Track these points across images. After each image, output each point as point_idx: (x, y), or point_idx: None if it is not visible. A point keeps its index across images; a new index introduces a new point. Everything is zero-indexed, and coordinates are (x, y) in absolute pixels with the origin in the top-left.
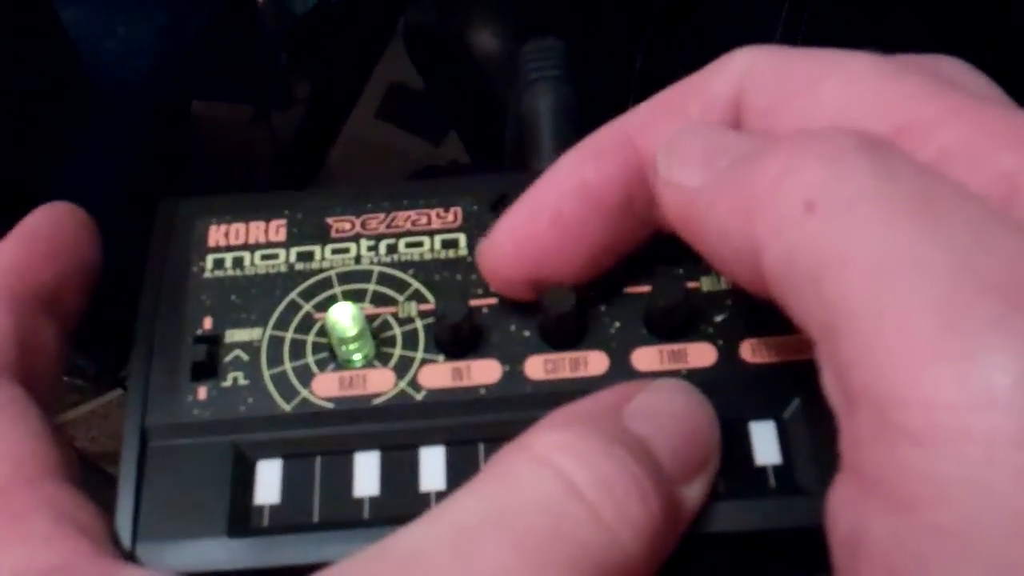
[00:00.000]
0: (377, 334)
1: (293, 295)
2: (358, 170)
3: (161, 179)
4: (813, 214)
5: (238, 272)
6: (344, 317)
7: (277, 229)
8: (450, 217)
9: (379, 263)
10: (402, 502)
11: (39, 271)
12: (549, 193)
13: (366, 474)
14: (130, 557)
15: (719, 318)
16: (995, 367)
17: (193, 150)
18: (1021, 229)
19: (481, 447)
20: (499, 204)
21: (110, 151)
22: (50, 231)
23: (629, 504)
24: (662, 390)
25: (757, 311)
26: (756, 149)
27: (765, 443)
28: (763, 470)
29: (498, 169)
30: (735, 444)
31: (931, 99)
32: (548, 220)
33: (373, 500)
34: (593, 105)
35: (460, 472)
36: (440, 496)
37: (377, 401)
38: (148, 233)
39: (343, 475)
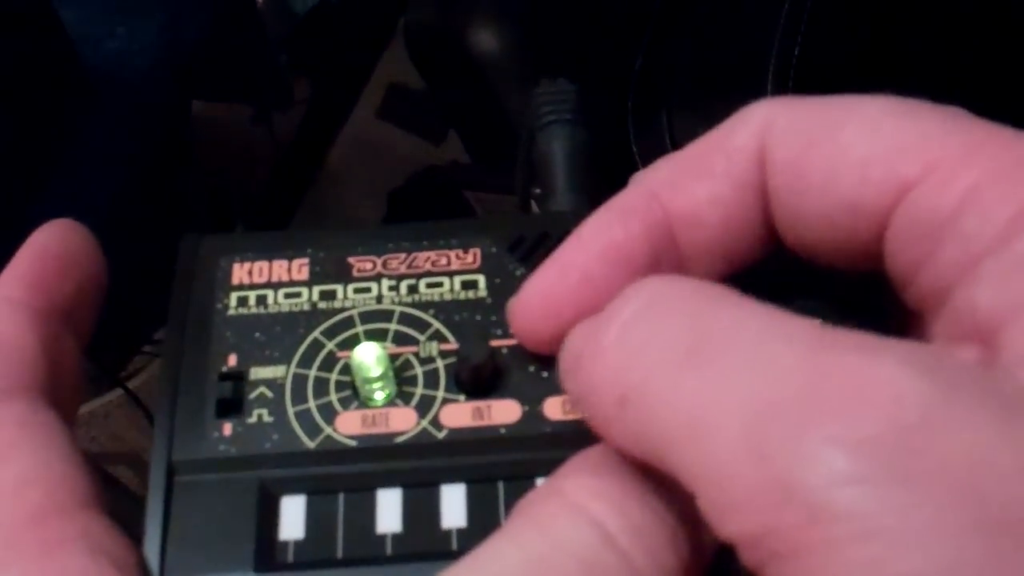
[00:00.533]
0: (399, 373)
1: (316, 333)
2: (358, 170)
3: (161, 179)
4: (627, 408)
5: (262, 310)
6: (369, 357)
7: (300, 268)
8: (469, 258)
9: (400, 303)
10: (424, 539)
11: (56, 288)
12: (577, 254)
13: (389, 511)
14: None
15: None
16: (813, 485)
17: (193, 150)
18: (798, 335)
19: (501, 485)
20: (516, 246)
21: (110, 151)
22: (60, 247)
23: (660, 551)
24: None
25: None
26: (579, 350)
27: None
28: None
29: (498, 170)
30: None
31: (953, 135)
32: (576, 281)
33: (396, 536)
34: (593, 110)
35: (481, 510)
36: (462, 533)
37: (399, 439)
38: (148, 234)
39: (366, 512)
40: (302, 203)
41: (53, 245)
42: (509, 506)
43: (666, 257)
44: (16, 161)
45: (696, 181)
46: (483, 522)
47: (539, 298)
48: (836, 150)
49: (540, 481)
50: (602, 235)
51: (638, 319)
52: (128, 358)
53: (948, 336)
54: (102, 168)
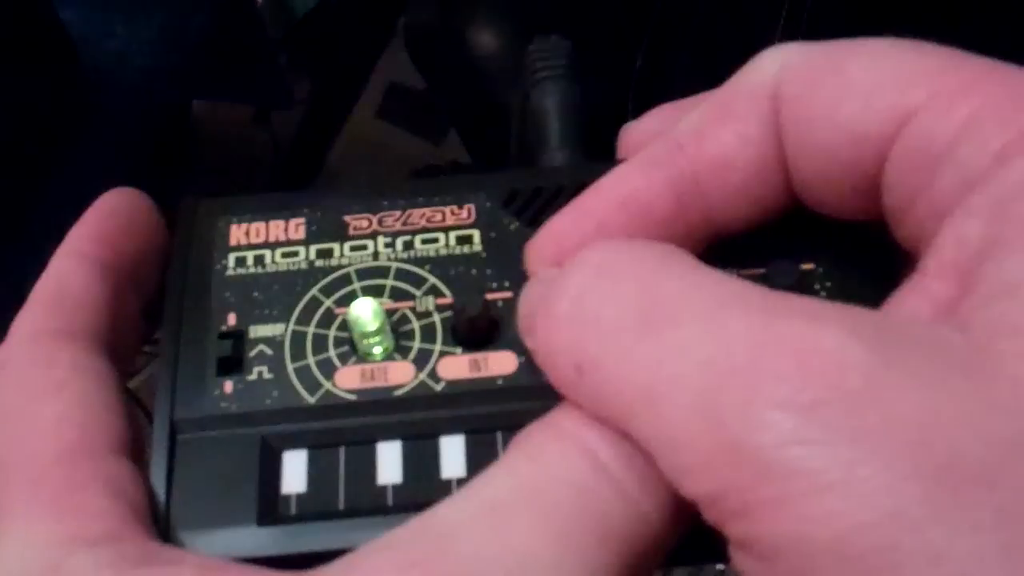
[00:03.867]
0: (396, 328)
1: (314, 291)
2: (358, 170)
3: (161, 179)
4: (584, 376)
5: (260, 269)
6: (365, 312)
7: (296, 227)
8: (464, 214)
9: (396, 259)
10: (424, 489)
11: (122, 246)
12: (596, 202)
13: (389, 463)
14: None
15: None
16: (763, 445)
17: (193, 150)
18: (747, 303)
19: (499, 435)
20: (510, 200)
21: (110, 151)
22: (128, 210)
23: (652, 480)
24: None
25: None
26: (534, 314)
27: None
28: None
29: (501, 168)
30: None
31: (955, 69)
32: (592, 229)
33: (396, 487)
34: (593, 105)
35: (480, 460)
36: (461, 483)
37: (398, 392)
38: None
39: (367, 464)
40: None
41: (121, 207)
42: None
43: (693, 207)
44: (16, 161)
45: (722, 125)
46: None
47: (553, 243)
48: (841, 81)
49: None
50: (622, 185)
51: (589, 287)
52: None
53: (928, 267)
54: (102, 168)
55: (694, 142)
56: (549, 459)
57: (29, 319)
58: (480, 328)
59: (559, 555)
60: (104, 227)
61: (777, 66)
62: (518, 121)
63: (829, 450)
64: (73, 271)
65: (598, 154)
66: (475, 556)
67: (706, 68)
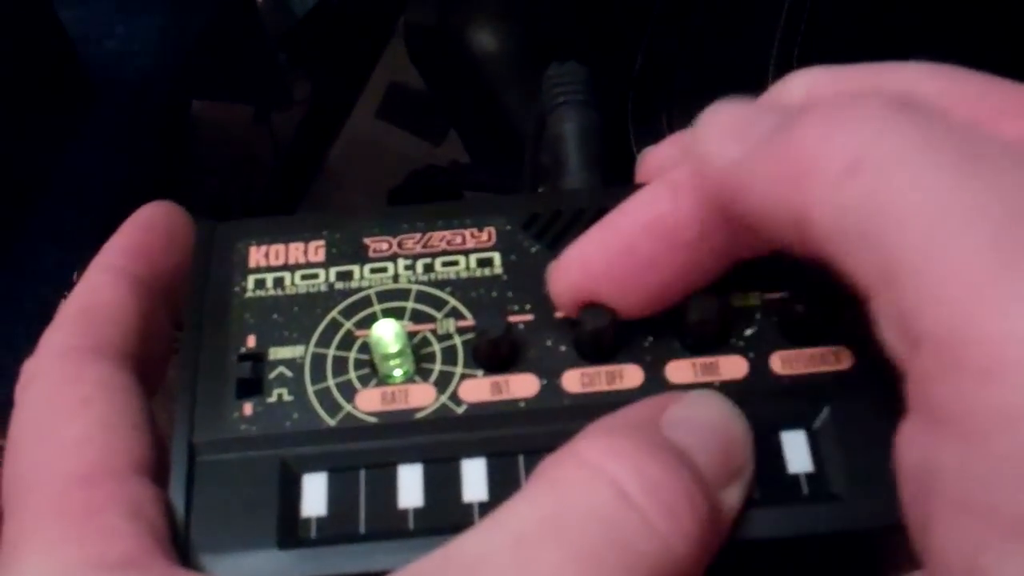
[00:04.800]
0: (417, 351)
1: (334, 313)
2: (358, 170)
3: (161, 179)
4: (859, 174)
5: (279, 292)
6: (387, 334)
7: (316, 250)
8: (484, 236)
9: (417, 282)
10: (446, 512)
11: (158, 261)
12: (624, 225)
13: (410, 486)
14: None
15: (749, 332)
16: None
17: (193, 150)
18: None
19: (521, 459)
20: (530, 223)
21: (110, 151)
22: (165, 224)
23: (678, 509)
24: (695, 402)
25: (786, 325)
26: (792, 116)
27: (797, 452)
28: (796, 478)
29: (501, 169)
30: (767, 454)
31: (989, 96)
32: (620, 253)
33: (417, 511)
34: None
35: (501, 483)
36: (483, 507)
37: (419, 415)
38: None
39: (388, 487)
40: (302, 203)
41: (157, 221)
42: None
43: (716, 232)
44: (17, 160)
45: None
46: (504, 495)
47: (579, 264)
48: None
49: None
50: (649, 208)
51: (893, 107)
52: None
53: None
54: (102, 168)
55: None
56: (573, 490)
57: (59, 333)
58: (502, 351)
59: None
60: (140, 240)
61: (808, 84)
62: (532, 147)
63: None
64: (105, 285)
65: (616, 177)
66: None
67: (706, 69)
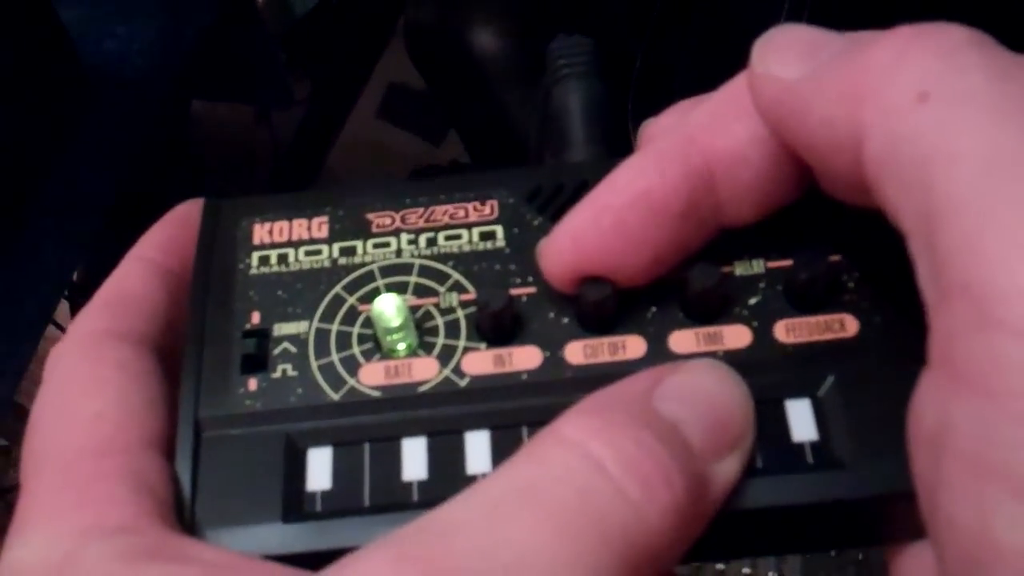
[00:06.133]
0: (420, 324)
1: (337, 289)
2: (358, 170)
3: (161, 179)
4: (925, 104)
5: (283, 268)
6: (388, 308)
7: (320, 226)
8: (487, 210)
9: (419, 256)
10: (450, 485)
11: (190, 256)
12: (612, 198)
13: (414, 459)
14: None
15: (753, 301)
16: None
17: (193, 150)
18: None
19: (524, 430)
20: (533, 196)
21: (110, 150)
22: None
23: (654, 483)
24: (693, 371)
25: (790, 293)
26: (863, 40)
27: (801, 420)
28: (800, 446)
29: (506, 168)
30: (772, 422)
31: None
32: (610, 226)
33: (421, 484)
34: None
35: (505, 455)
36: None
37: (422, 388)
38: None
39: (392, 460)
40: None
41: (193, 218)
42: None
43: (703, 203)
44: (16, 160)
45: (736, 121)
46: None
47: (570, 241)
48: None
49: (574, 406)
50: (637, 180)
51: (979, 42)
52: None
53: None
54: (102, 167)
55: (706, 136)
56: (551, 462)
57: (87, 319)
58: (504, 323)
59: (558, 552)
60: (174, 235)
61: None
62: (538, 120)
63: None
64: (136, 275)
65: (622, 148)
66: (473, 551)
67: (706, 68)
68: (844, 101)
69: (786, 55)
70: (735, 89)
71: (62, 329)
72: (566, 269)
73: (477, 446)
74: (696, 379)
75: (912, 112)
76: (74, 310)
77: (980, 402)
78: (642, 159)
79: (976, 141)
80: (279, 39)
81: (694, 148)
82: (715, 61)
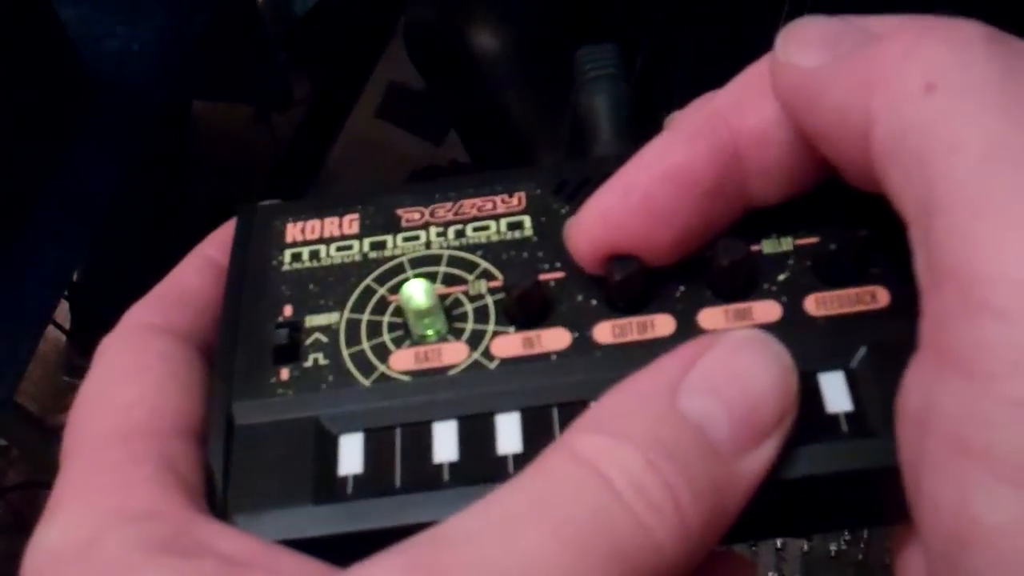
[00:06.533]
0: (449, 311)
1: (368, 281)
2: (358, 170)
3: (161, 179)
4: (932, 95)
5: (315, 263)
6: (417, 291)
7: (350, 223)
8: (514, 201)
9: (448, 247)
10: (481, 465)
11: None
12: (640, 175)
13: (445, 442)
14: None
15: (782, 277)
16: None
17: (193, 150)
18: None
19: (555, 411)
20: (561, 188)
21: (110, 151)
22: None
23: (663, 507)
24: (728, 347)
25: (820, 267)
26: (879, 32)
27: (836, 392)
28: (835, 418)
29: (506, 167)
30: (806, 395)
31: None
32: (639, 203)
33: (452, 465)
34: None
35: (536, 435)
36: (517, 459)
37: (452, 372)
38: (148, 233)
39: (423, 443)
40: None
41: None
42: (564, 431)
43: (730, 180)
44: (16, 161)
45: (763, 99)
46: (539, 447)
47: (599, 217)
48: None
49: (593, 404)
50: (666, 157)
51: (990, 37)
52: None
53: None
54: (102, 168)
55: (734, 113)
56: (564, 479)
57: (137, 311)
58: (532, 304)
59: (565, 566)
60: (226, 236)
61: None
62: (568, 121)
63: None
64: (193, 270)
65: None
66: (481, 561)
67: (706, 68)
68: (856, 90)
69: (807, 45)
70: (761, 69)
71: (62, 329)
72: (594, 246)
73: (508, 427)
74: (731, 358)
75: (918, 102)
76: (74, 310)
77: (963, 383)
78: (669, 137)
79: (976, 132)
80: (279, 39)
81: (721, 125)
82: (715, 60)
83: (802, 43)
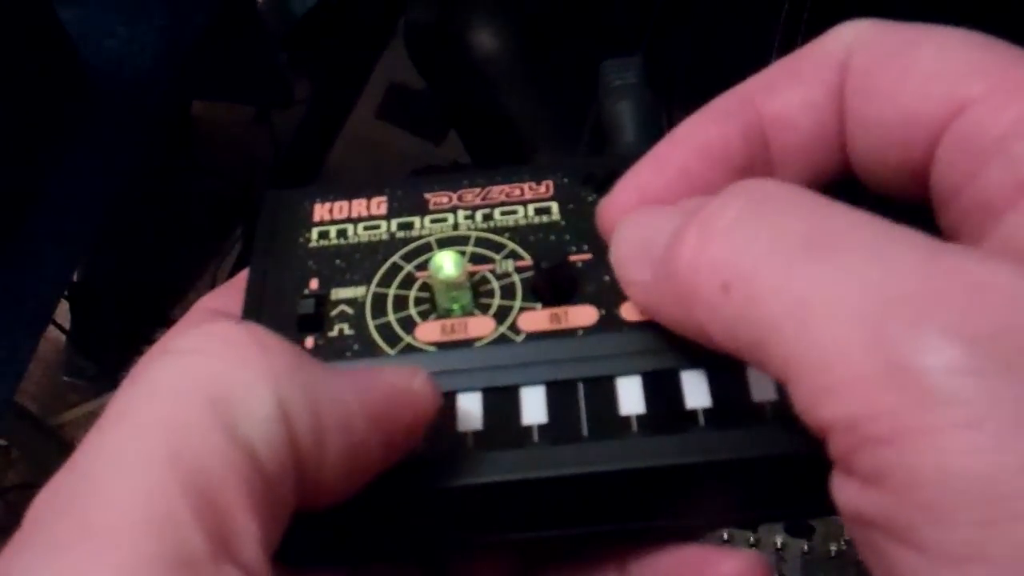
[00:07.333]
0: (476, 288)
1: (395, 258)
2: (358, 170)
3: (161, 179)
4: (729, 293)
5: (342, 241)
6: (447, 262)
7: (379, 205)
8: (542, 189)
9: (476, 229)
10: (505, 434)
11: None
12: (674, 151)
13: (470, 412)
14: None
15: None
16: (928, 369)
17: (193, 150)
18: (913, 240)
19: (580, 386)
20: (589, 179)
21: (110, 151)
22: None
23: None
24: None
25: None
26: (673, 235)
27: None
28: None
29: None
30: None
31: (1017, 66)
32: (674, 175)
33: (477, 433)
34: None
35: (560, 407)
36: (542, 428)
37: (478, 344)
38: (148, 233)
39: (447, 413)
40: None
41: None
42: (589, 406)
43: (759, 161)
44: (16, 161)
45: (791, 86)
46: (562, 419)
47: (636, 191)
48: (907, 62)
49: (619, 380)
50: (699, 133)
51: (750, 210)
52: (128, 358)
53: None
54: (102, 168)
55: (763, 96)
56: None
57: (209, 298)
58: (560, 281)
59: None
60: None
61: (852, 37)
62: (588, 129)
63: (994, 383)
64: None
65: None
66: None
67: (706, 69)
68: (676, 305)
69: (631, 258)
70: (797, 57)
71: (62, 329)
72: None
73: (533, 401)
74: None
75: (724, 303)
76: (74, 310)
77: (882, 497)
78: (702, 116)
79: (784, 306)
80: (279, 39)
81: (749, 106)
82: (715, 63)
83: (629, 257)
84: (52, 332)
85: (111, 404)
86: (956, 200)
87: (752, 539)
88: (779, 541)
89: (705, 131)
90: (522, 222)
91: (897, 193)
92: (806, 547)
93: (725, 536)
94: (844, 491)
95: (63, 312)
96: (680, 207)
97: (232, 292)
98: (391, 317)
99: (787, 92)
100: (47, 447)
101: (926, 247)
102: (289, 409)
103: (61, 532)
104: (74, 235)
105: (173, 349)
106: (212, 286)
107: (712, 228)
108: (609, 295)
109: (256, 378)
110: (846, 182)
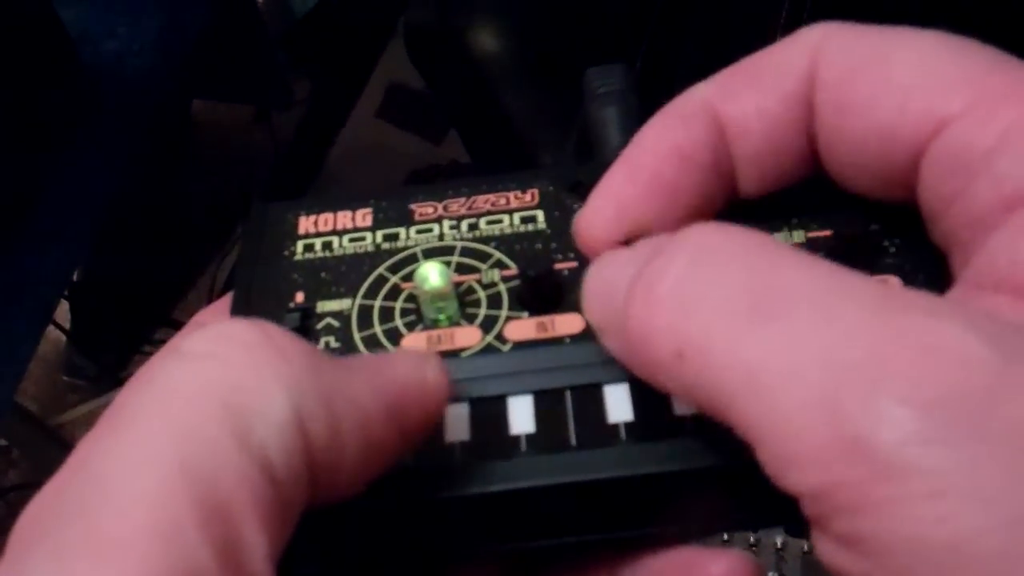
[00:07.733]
0: (462, 298)
1: (381, 270)
2: (358, 170)
3: (161, 179)
4: (684, 360)
5: (327, 254)
6: (433, 273)
7: (364, 216)
8: (528, 197)
9: (462, 239)
10: (493, 446)
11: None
12: (645, 156)
13: (457, 423)
14: None
15: None
16: (885, 443)
17: (193, 150)
18: (863, 294)
19: (568, 394)
20: (575, 188)
21: (110, 151)
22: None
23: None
24: None
25: (832, 257)
26: (626, 292)
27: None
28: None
29: (498, 170)
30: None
31: (996, 75)
32: (647, 181)
33: (464, 444)
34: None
35: (547, 417)
36: (530, 438)
37: (465, 355)
38: (148, 234)
39: (435, 425)
40: None
41: None
42: (576, 415)
43: (724, 161)
44: (16, 161)
45: (746, 92)
46: (551, 428)
47: (612, 201)
48: (881, 76)
49: (607, 388)
50: (666, 137)
51: (693, 268)
52: (128, 358)
53: (978, 280)
54: (102, 168)
55: (720, 100)
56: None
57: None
58: (545, 290)
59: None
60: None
61: (817, 41)
62: (576, 135)
63: (951, 451)
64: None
65: None
66: None
67: (707, 69)
68: (641, 368)
69: (596, 309)
70: (756, 61)
71: (62, 329)
72: (607, 230)
73: (520, 410)
74: None
75: (681, 369)
76: (74, 310)
77: (862, 562)
78: (663, 119)
79: (737, 374)
80: (279, 39)
81: (708, 108)
82: (715, 63)
83: (594, 310)
84: (52, 332)
85: (119, 404)
86: (945, 217)
87: (752, 539)
88: (779, 541)
89: (673, 135)
90: (508, 231)
91: (876, 197)
92: (806, 547)
93: (725, 537)
94: (823, 547)
95: (63, 312)
96: (636, 252)
97: (227, 307)
98: (377, 329)
99: (743, 99)
100: (47, 447)
101: (875, 303)
102: (305, 415)
103: (70, 538)
104: (74, 235)
105: (186, 351)
106: (212, 286)
107: (657, 291)
108: None
109: (271, 384)
110: (817, 178)
